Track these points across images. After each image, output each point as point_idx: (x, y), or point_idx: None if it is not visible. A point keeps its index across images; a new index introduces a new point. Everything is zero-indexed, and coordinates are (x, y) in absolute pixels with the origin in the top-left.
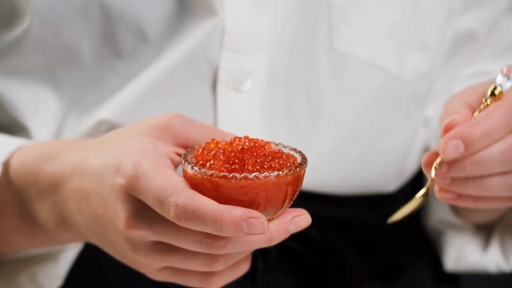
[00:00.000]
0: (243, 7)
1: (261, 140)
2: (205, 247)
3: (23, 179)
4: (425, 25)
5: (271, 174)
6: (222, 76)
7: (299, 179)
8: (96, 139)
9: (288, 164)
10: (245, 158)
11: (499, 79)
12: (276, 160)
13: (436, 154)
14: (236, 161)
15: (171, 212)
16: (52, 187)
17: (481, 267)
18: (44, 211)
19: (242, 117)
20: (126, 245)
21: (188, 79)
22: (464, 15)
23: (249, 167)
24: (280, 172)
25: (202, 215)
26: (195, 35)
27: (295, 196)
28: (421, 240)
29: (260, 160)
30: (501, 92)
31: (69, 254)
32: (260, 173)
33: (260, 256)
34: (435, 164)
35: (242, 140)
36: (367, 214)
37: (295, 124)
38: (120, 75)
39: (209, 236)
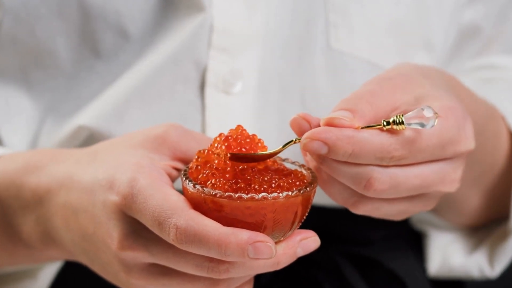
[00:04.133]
0: (232, 2)
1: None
2: (206, 271)
3: (5, 192)
4: (430, 22)
5: (280, 194)
6: (210, 78)
7: (309, 199)
8: (85, 151)
9: (297, 183)
10: (251, 176)
11: (412, 114)
12: (284, 178)
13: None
14: (239, 180)
15: (171, 234)
16: (37, 201)
17: (464, 271)
18: (27, 226)
19: (232, 122)
20: (119, 266)
21: (174, 81)
22: (468, 9)
23: (256, 186)
24: (290, 193)
25: (205, 238)
26: (180, 33)
27: (304, 218)
28: (421, 254)
29: (268, 178)
30: (402, 128)
31: (49, 271)
32: (268, 193)
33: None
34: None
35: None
36: (365, 227)
37: (290, 129)
38: (100, 77)
39: (211, 259)
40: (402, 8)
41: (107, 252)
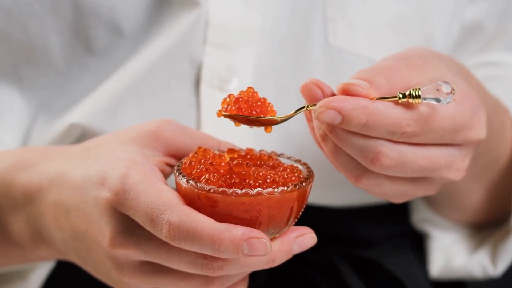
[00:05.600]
0: None
1: (261, 151)
2: (200, 269)
3: None
4: (431, 17)
5: (276, 189)
6: (205, 75)
7: (305, 194)
8: (77, 147)
9: (293, 178)
10: (245, 171)
11: (429, 89)
12: (280, 173)
13: (318, 87)
14: (234, 175)
15: (164, 231)
16: (27, 200)
17: (467, 271)
18: (17, 225)
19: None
20: (110, 264)
21: (168, 78)
22: (470, 6)
23: (251, 182)
24: (285, 188)
25: (199, 234)
26: (175, 28)
27: (300, 214)
28: (422, 255)
29: (263, 173)
30: (418, 102)
31: (40, 273)
32: (263, 189)
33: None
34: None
35: (240, 150)
36: (365, 227)
37: (287, 128)
38: (92, 74)
39: (205, 256)
40: (402, 4)
41: (98, 250)
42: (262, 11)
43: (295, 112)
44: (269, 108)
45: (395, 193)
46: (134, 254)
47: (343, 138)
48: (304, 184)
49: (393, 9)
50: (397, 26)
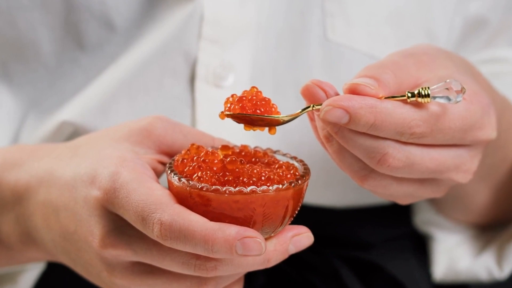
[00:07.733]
0: None
1: (256, 148)
2: (193, 269)
3: None
4: (433, 12)
5: (270, 187)
6: (200, 71)
7: (300, 193)
8: (66, 145)
9: (288, 176)
10: (239, 168)
11: (439, 88)
12: (275, 171)
13: (320, 89)
14: (227, 173)
15: (155, 230)
16: (16, 200)
17: (472, 274)
18: (5, 226)
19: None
20: (101, 265)
21: (162, 75)
22: (474, 0)
23: (245, 179)
24: (280, 186)
25: (191, 234)
26: (168, 23)
27: (296, 212)
28: (424, 258)
29: (257, 170)
30: (427, 101)
31: (30, 275)
32: (258, 187)
33: (244, 279)
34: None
35: (234, 147)
36: (365, 229)
37: (285, 126)
38: (84, 70)
39: (198, 256)
40: None
41: (89, 251)
42: (258, 5)
43: (300, 112)
44: (273, 109)
45: (401, 194)
46: (125, 254)
47: (349, 138)
48: (300, 182)
49: (393, 4)
50: (397, 21)
